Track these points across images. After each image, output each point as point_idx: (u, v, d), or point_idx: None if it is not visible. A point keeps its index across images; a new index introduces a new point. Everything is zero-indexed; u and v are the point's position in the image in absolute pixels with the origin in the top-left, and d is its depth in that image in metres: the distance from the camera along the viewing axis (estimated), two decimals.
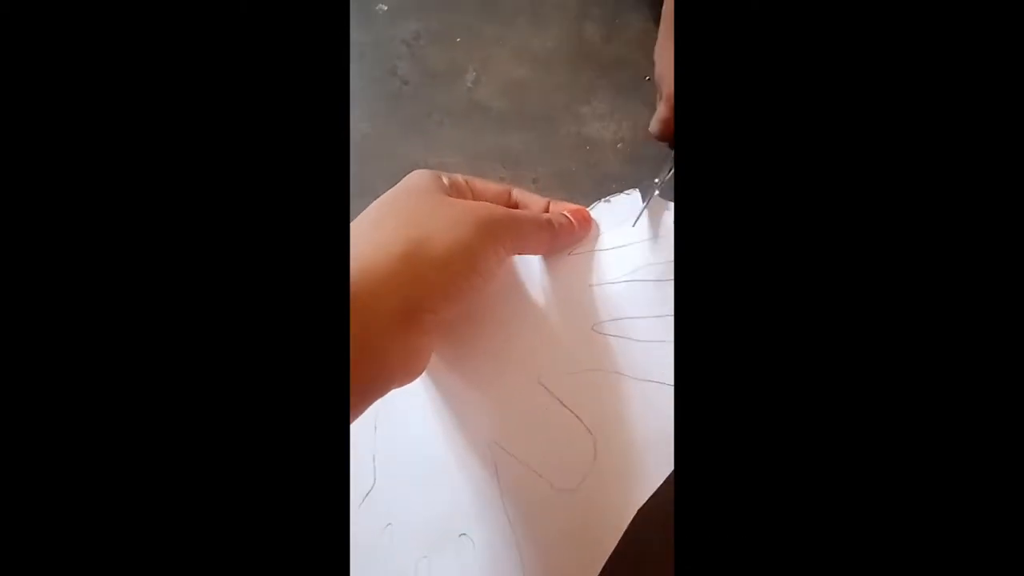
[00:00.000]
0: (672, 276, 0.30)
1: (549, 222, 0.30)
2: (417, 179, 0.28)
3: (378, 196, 0.27)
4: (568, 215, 0.31)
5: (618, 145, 0.42)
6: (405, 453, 0.32)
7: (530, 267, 0.32)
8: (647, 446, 0.27)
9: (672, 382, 0.28)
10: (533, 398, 0.30)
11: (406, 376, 0.26)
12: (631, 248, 0.31)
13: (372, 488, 0.32)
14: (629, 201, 0.33)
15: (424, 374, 0.32)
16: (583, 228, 0.31)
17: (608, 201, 0.33)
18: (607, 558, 0.26)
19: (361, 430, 0.33)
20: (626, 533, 0.26)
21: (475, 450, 0.30)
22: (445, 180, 0.29)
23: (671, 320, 0.29)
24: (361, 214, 0.27)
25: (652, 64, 0.36)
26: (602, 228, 0.32)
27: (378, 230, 0.26)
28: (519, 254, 0.30)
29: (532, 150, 0.42)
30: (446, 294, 0.25)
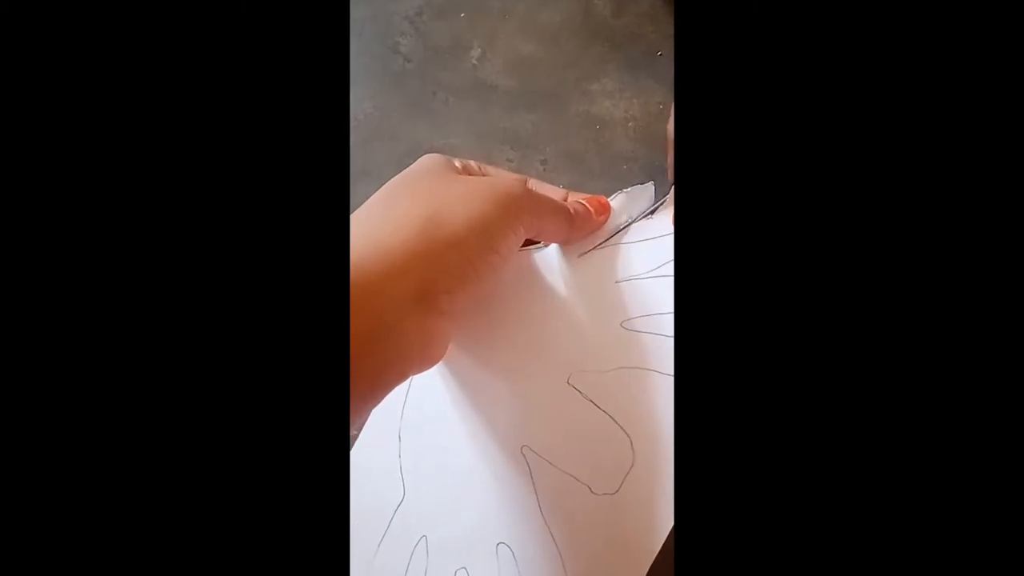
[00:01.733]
0: None
1: (566, 208, 0.29)
2: (428, 161, 0.27)
3: (381, 177, 0.26)
4: (585, 203, 0.30)
5: (629, 124, 0.40)
6: (433, 462, 0.31)
7: (552, 263, 0.31)
8: None
9: None
10: (563, 399, 0.29)
11: (424, 361, 0.25)
12: (656, 242, 0.30)
13: (402, 500, 0.31)
14: (647, 191, 0.32)
15: (447, 378, 0.31)
16: (601, 216, 0.31)
17: (627, 192, 0.32)
18: (652, 561, 0.25)
19: (385, 439, 0.32)
20: (671, 534, 0.25)
21: (507, 455, 0.29)
22: (457, 164, 0.28)
23: None
24: (372, 196, 0.26)
25: (664, 38, 0.34)
26: (622, 218, 0.32)
27: (391, 210, 0.25)
28: (536, 238, 0.29)
29: (540, 130, 0.41)
30: (463, 273, 0.24)
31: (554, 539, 0.28)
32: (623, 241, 0.31)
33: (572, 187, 0.39)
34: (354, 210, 0.25)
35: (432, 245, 0.23)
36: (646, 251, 0.30)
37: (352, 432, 0.33)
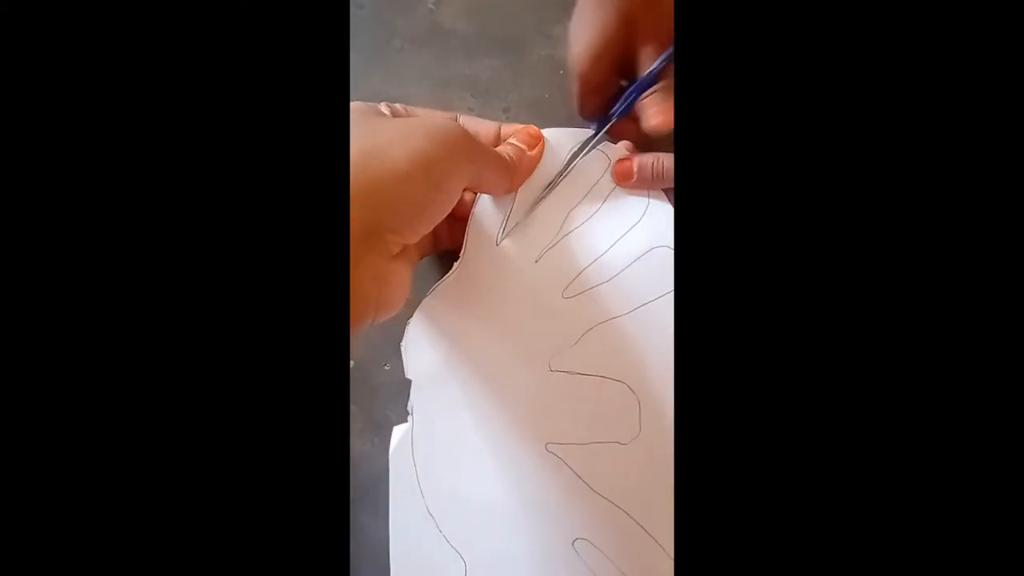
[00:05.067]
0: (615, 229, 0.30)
1: (502, 157, 0.29)
2: (355, 106, 0.26)
3: None
4: (516, 142, 0.30)
5: None
6: (475, 517, 0.30)
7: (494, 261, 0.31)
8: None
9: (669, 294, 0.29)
10: (555, 384, 0.30)
11: (380, 308, 0.24)
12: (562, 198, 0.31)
13: (466, 569, 0.30)
14: (585, 134, 0.32)
15: (443, 412, 0.31)
16: (534, 149, 0.30)
17: (564, 130, 0.32)
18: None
19: (414, 511, 0.31)
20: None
21: (537, 459, 0.30)
22: (384, 108, 0.27)
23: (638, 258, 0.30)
24: None
25: None
26: (562, 155, 0.32)
27: None
28: (476, 189, 0.29)
29: (502, 77, 0.39)
30: (409, 210, 0.23)
31: (618, 506, 0.29)
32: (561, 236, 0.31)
33: None
34: None
35: (372, 180, 0.22)
36: (553, 213, 0.31)
37: None
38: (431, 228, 0.25)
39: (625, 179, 0.31)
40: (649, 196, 0.31)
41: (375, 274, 0.23)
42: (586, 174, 0.31)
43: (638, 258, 0.30)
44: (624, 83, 0.32)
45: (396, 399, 0.34)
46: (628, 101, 0.31)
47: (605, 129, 0.32)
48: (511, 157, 0.29)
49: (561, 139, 0.32)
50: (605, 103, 0.32)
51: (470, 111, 0.39)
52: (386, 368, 0.34)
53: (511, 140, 0.30)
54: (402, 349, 0.31)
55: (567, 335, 0.30)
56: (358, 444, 0.34)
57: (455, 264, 0.31)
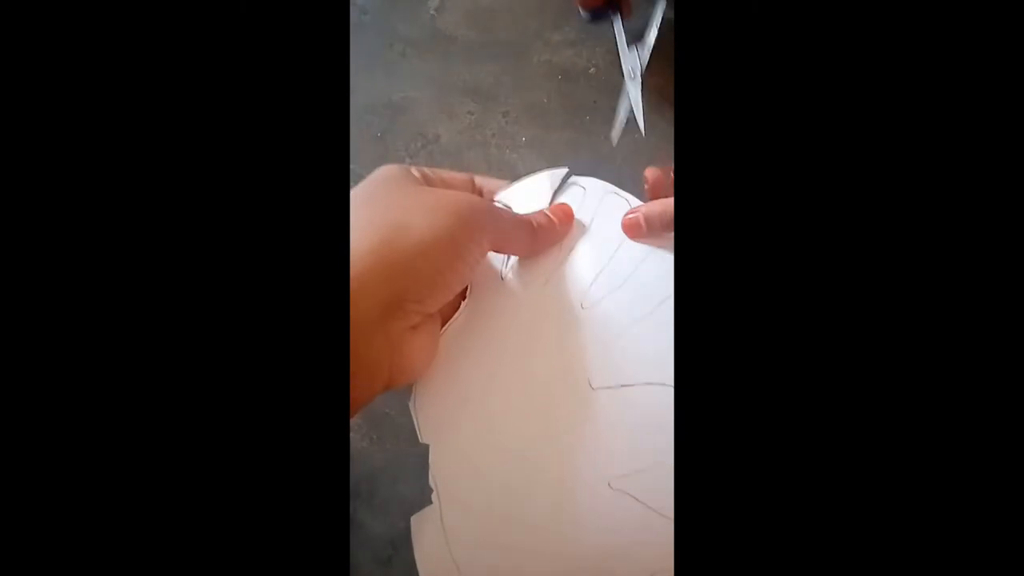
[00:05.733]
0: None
1: (529, 222, 0.29)
2: (387, 171, 0.27)
3: None
4: (549, 214, 0.30)
5: (591, 72, 0.39)
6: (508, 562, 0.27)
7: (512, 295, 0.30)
8: None
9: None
10: (605, 404, 0.27)
11: (395, 377, 0.24)
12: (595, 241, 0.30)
13: None
14: (558, 176, 0.32)
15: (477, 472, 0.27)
16: (564, 225, 0.30)
17: (545, 175, 0.32)
18: None
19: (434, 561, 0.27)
20: None
21: (602, 502, 0.26)
22: (415, 172, 0.28)
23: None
24: None
25: None
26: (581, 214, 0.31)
27: (354, 220, 0.24)
28: (499, 251, 0.29)
29: (502, 82, 0.40)
30: (432, 282, 0.24)
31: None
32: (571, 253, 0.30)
33: (535, 141, 0.39)
34: None
35: (399, 255, 0.23)
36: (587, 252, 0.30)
37: None
38: (452, 297, 0.25)
39: (636, 233, 0.30)
40: (628, 203, 0.31)
41: (392, 344, 0.23)
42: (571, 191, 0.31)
43: (647, 255, 0.30)
44: None
45: (394, 396, 0.34)
46: None
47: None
48: (540, 225, 0.29)
49: (543, 183, 0.32)
50: None
51: (470, 115, 0.39)
52: (383, 391, 0.35)
53: (544, 210, 0.30)
54: (411, 409, 0.29)
55: (598, 347, 0.28)
56: (356, 441, 0.34)
57: (461, 304, 0.29)
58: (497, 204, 0.28)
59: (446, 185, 0.29)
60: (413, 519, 0.27)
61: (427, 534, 0.27)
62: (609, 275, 0.30)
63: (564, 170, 0.32)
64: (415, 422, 0.28)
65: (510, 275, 0.30)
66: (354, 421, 0.34)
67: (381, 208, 0.25)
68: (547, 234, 0.30)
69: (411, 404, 0.28)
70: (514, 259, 0.30)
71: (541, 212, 0.30)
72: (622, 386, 0.28)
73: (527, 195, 0.31)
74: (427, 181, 0.28)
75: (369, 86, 0.40)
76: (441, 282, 0.24)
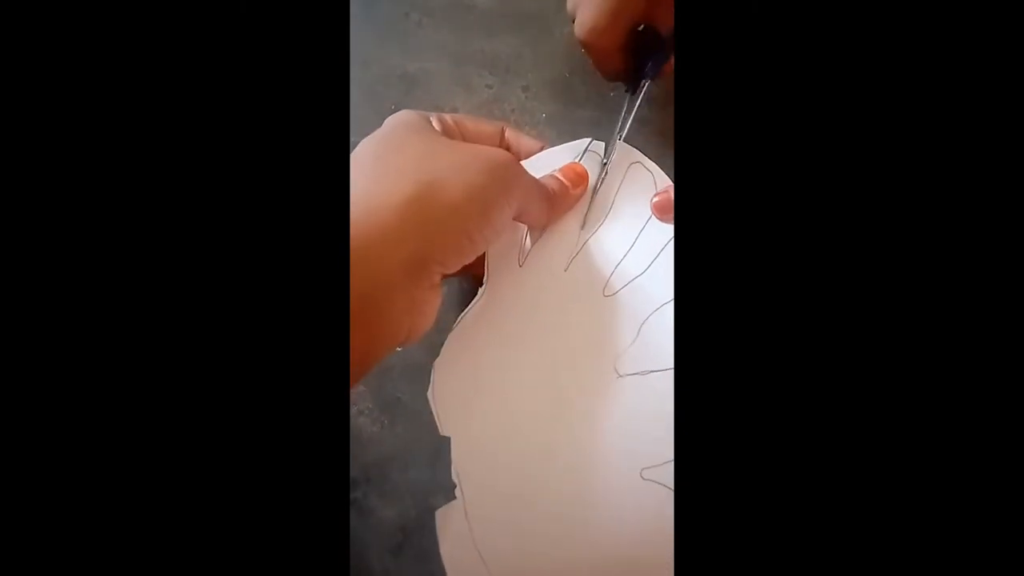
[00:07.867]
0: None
1: (548, 191, 0.28)
2: (406, 118, 0.26)
3: (351, 107, 0.24)
4: (560, 178, 0.29)
5: None
6: (530, 557, 0.26)
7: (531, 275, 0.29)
8: None
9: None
10: (632, 392, 0.26)
11: (411, 334, 0.24)
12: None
13: None
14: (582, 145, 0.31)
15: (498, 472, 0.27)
16: (577, 187, 0.29)
17: (568, 147, 0.31)
18: None
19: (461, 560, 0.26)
20: None
21: (635, 495, 0.26)
22: (434, 121, 0.27)
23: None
24: (356, 152, 0.24)
25: None
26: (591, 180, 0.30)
27: (383, 169, 0.23)
28: (517, 220, 0.27)
29: (522, 54, 0.38)
30: (459, 244, 0.23)
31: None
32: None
33: (556, 117, 0.37)
34: None
35: (428, 213, 0.22)
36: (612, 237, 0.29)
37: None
38: (473, 260, 0.25)
39: (667, 213, 0.29)
40: (654, 177, 0.30)
41: (411, 304, 0.23)
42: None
43: (668, 241, 0.29)
44: (641, 27, 0.30)
45: (405, 380, 0.33)
46: (657, 59, 0.30)
47: (643, 90, 0.30)
48: (554, 191, 0.28)
49: (564, 154, 0.30)
50: (626, 57, 0.30)
51: (488, 88, 0.38)
52: (397, 349, 0.34)
53: (555, 174, 0.29)
54: (430, 400, 0.27)
55: (623, 334, 0.28)
56: (367, 426, 0.33)
57: (480, 291, 0.28)
58: (523, 167, 0.27)
59: (474, 137, 0.28)
60: (438, 513, 0.26)
61: (452, 528, 0.26)
62: (632, 261, 0.29)
63: (587, 140, 0.31)
64: (434, 413, 0.27)
65: (528, 260, 0.29)
66: (365, 406, 0.33)
67: (411, 160, 0.23)
68: (561, 201, 0.29)
69: (429, 394, 0.27)
70: (530, 245, 0.29)
71: (553, 177, 0.29)
72: (649, 372, 0.27)
73: (548, 167, 0.30)
74: (447, 131, 0.27)
75: (384, 56, 0.39)
76: (468, 244, 0.23)
